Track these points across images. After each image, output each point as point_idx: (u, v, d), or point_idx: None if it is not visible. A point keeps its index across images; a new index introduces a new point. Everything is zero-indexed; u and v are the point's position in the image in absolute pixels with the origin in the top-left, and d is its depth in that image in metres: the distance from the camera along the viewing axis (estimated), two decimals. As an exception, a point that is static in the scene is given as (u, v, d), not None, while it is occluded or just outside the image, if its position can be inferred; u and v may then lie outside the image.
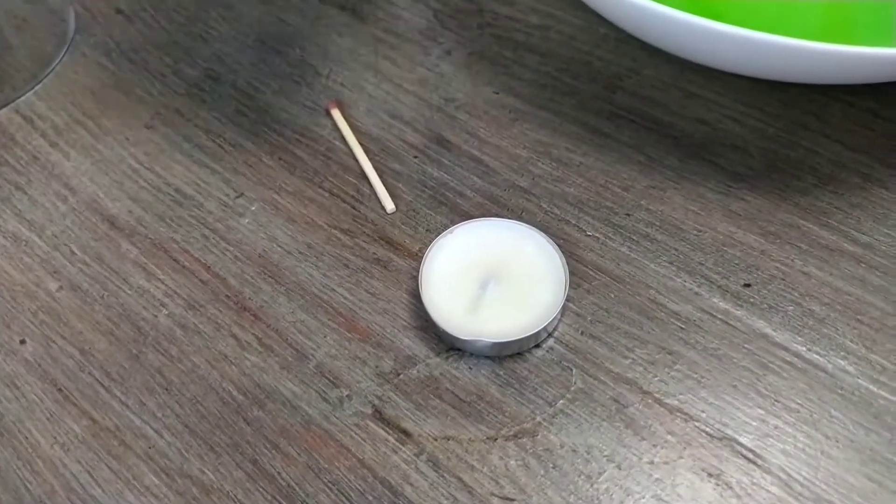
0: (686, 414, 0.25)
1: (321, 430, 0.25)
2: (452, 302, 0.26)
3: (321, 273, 0.29)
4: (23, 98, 0.36)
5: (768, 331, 0.27)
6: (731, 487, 0.23)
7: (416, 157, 0.33)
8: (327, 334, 0.27)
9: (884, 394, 0.25)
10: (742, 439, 0.24)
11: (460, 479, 0.24)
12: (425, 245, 0.29)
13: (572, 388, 0.26)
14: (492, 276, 0.27)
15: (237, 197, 0.32)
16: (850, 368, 0.26)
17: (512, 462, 0.24)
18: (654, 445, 0.24)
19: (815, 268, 0.28)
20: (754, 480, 0.24)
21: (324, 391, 0.26)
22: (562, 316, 0.27)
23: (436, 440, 0.25)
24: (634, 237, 0.29)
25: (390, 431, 0.25)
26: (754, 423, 0.25)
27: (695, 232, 0.29)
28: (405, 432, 0.25)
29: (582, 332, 0.27)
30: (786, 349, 0.26)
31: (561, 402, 0.25)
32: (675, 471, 0.24)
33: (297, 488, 0.24)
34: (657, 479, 0.24)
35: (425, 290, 0.27)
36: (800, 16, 0.33)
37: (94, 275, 0.29)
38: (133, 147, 0.34)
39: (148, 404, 0.26)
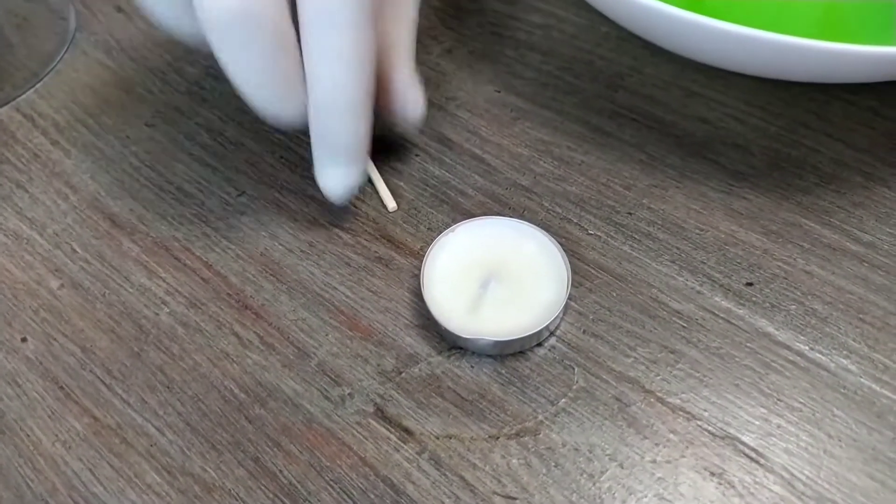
0: (688, 413, 0.25)
1: (323, 429, 0.25)
2: (454, 300, 0.26)
3: (323, 271, 0.29)
4: (23, 96, 0.36)
5: (770, 330, 0.27)
6: (733, 486, 0.23)
7: (417, 155, 0.32)
8: (329, 332, 0.27)
9: (886, 393, 0.25)
10: (744, 438, 0.24)
11: (462, 478, 0.24)
12: (427, 243, 0.29)
13: (574, 387, 0.26)
14: (493, 274, 0.27)
15: (239, 195, 0.32)
16: (853, 367, 0.26)
17: (514, 461, 0.24)
18: (657, 444, 0.24)
19: (817, 267, 0.28)
20: (757, 479, 0.24)
21: (325, 389, 0.26)
22: (564, 315, 0.27)
23: (438, 439, 0.25)
24: (636, 236, 0.29)
25: (392, 430, 0.25)
26: (757, 422, 0.25)
27: (697, 231, 0.29)
28: (407, 431, 0.25)
29: (584, 331, 0.27)
30: (788, 348, 0.26)
31: (563, 400, 0.25)
32: (678, 470, 0.24)
33: (299, 486, 0.24)
34: (659, 478, 0.24)
35: (427, 288, 0.27)
36: (800, 15, 0.33)
37: (96, 273, 0.29)
38: (134, 145, 0.34)
39: (149, 402, 0.26)
